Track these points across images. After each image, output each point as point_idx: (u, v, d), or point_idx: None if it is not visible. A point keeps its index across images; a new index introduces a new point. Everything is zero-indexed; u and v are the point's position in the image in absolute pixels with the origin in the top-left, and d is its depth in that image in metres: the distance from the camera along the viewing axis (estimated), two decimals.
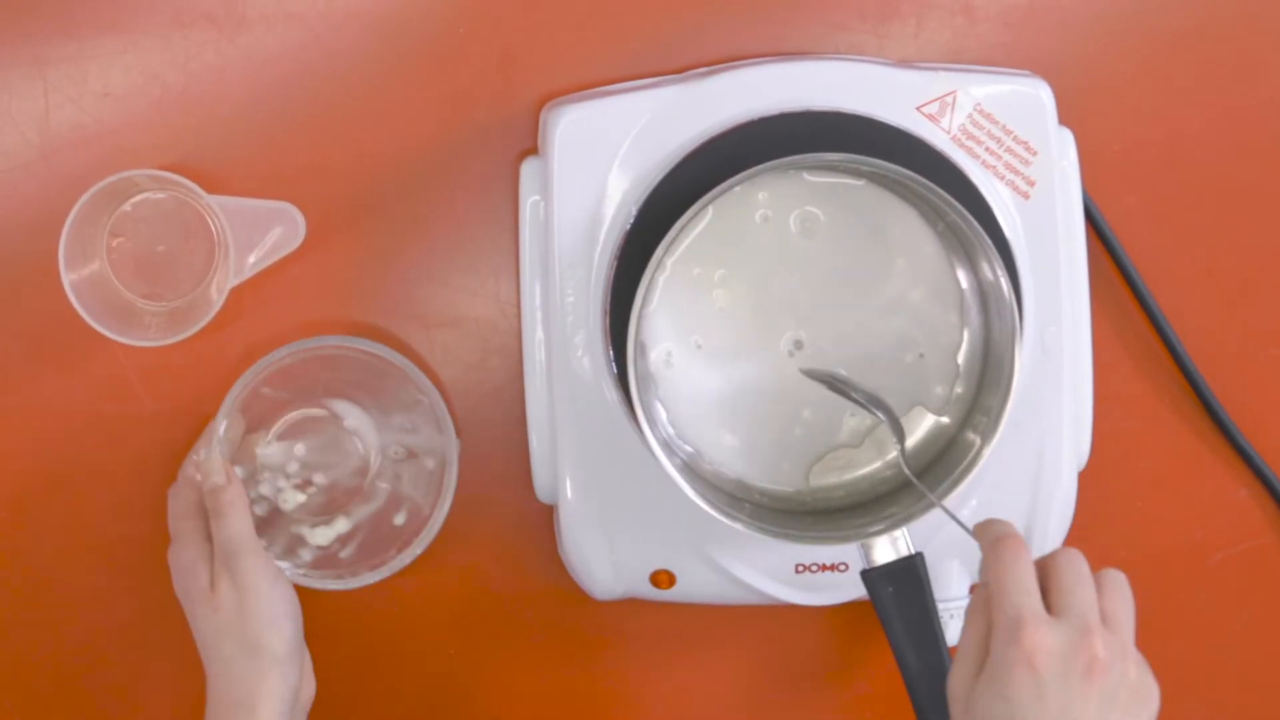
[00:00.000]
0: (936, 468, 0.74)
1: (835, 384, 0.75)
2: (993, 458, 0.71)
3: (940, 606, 0.73)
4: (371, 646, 0.84)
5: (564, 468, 0.77)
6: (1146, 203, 0.83)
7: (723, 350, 0.76)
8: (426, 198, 0.81)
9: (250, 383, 0.76)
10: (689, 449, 0.76)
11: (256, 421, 0.80)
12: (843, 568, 0.78)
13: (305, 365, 0.79)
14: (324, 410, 0.82)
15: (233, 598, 0.73)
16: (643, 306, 0.70)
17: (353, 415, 0.82)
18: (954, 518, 0.68)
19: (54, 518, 0.82)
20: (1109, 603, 0.63)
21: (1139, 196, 0.83)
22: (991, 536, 0.65)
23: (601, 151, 0.74)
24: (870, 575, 0.72)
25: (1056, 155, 0.76)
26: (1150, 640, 0.85)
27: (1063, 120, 0.77)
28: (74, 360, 0.81)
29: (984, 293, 0.74)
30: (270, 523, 0.80)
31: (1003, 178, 0.75)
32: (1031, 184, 0.76)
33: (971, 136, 0.75)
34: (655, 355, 0.76)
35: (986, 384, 0.75)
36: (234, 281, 0.77)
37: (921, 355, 0.76)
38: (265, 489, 0.81)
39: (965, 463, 0.72)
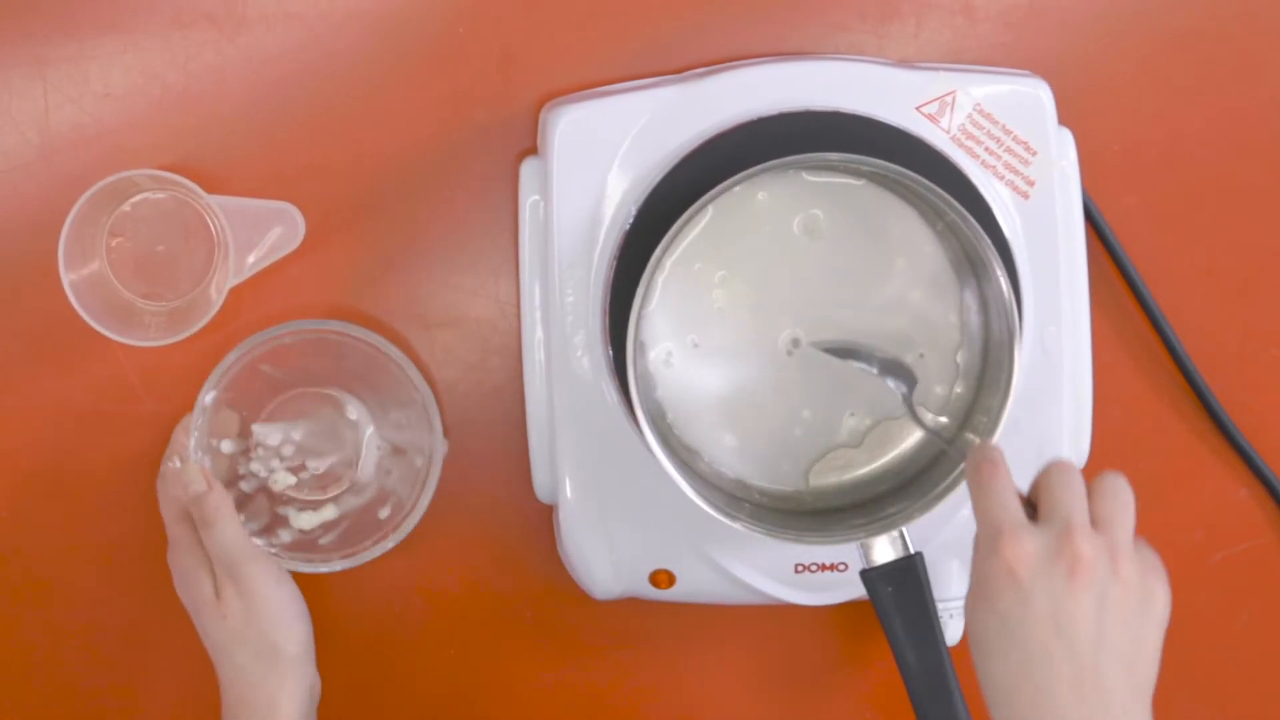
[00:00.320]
0: (936, 467, 0.74)
1: (853, 352, 0.75)
2: None
3: (940, 606, 0.73)
4: (371, 646, 0.84)
5: (563, 467, 0.77)
6: (1146, 203, 0.83)
7: (722, 350, 0.76)
8: (426, 198, 0.81)
9: (244, 357, 0.76)
10: (689, 449, 0.76)
11: (255, 398, 0.81)
12: (842, 567, 0.78)
13: (308, 349, 0.79)
14: (326, 397, 0.82)
15: (240, 605, 0.73)
16: (642, 306, 0.70)
17: (353, 405, 0.82)
18: (943, 440, 0.69)
19: (53, 517, 0.82)
20: (1100, 505, 0.62)
21: (1138, 196, 0.83)
22: (971, 463, 0.64)
23: (601, 151, 0.74)
24: (870, 575, 0.71)
25: (1056, 155, 0.76)
26: None
27: (1062, 120, 0.77)
28: (74, 360, 0.81)
29: (984, 292, 0.74)
30: (255, 500, 0.80)
31: (1002, 178, 0.75)
32: (1031, 184, 0.76)
33: (971, 136, 0.75)
34: (655, 355, 0.76)
35: (986, 384, 0.75)
36: (234, 281, 0.77)
37: (921, 355, 0.76)
38: (257, 466, 0.81)
39: (964, 463, 0.72)
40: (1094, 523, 0.61)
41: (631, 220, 0.74)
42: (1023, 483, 0.64)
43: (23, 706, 0.84)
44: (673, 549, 0.78)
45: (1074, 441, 0.78)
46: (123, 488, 0.82)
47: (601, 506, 0.77)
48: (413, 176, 0.81)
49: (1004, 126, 0.75)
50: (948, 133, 0.75)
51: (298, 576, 0.80)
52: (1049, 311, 0.76)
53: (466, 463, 0.82)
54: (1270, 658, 0.87)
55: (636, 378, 0.70)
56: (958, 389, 0.76)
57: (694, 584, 0.78)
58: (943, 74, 0.76)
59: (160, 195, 0.80)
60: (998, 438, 0.70)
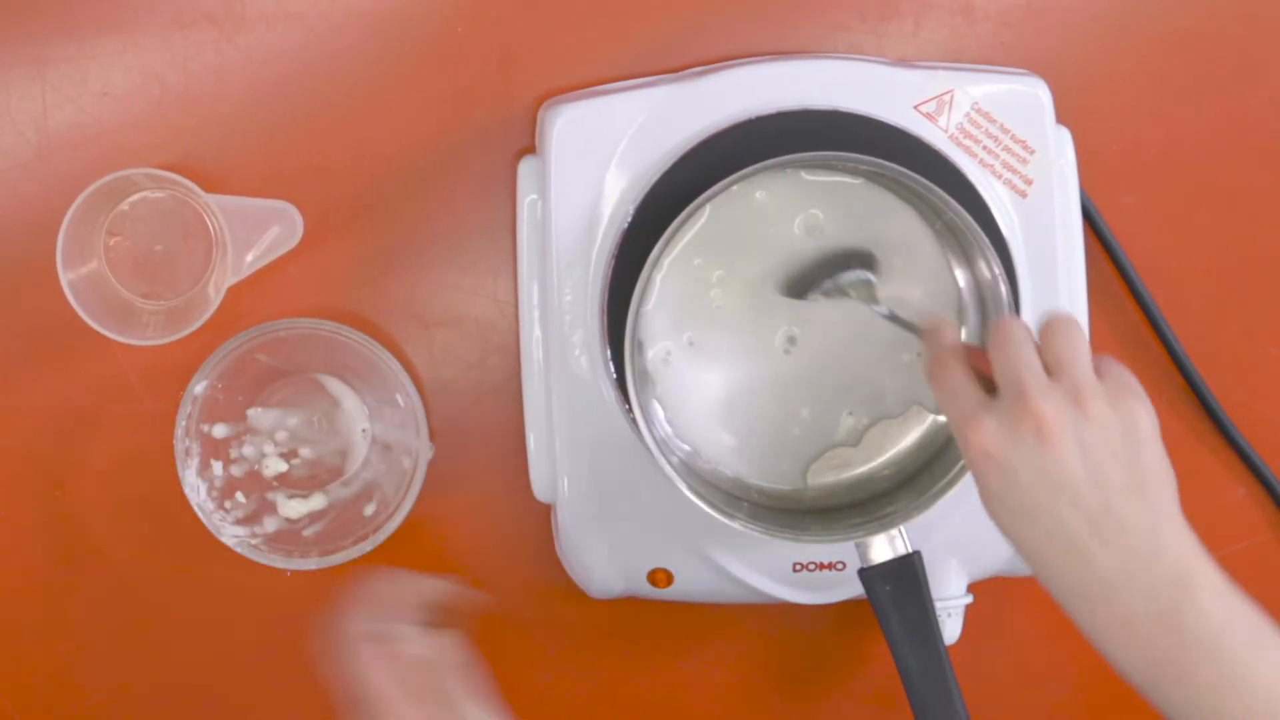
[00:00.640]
0: (934, 466, 0.74)
1: (808, 276, 0.75)
2: None
3: (938, 605, 0.73)
4: None
5: (562, 467, 0.77)
6: (1145, 202, 0.83)
7: (720, 349, 0.76)
8: (425, 197, 0.81)
9: (237, 350, 0.77)
10: (686, 448, 0.76)
11: (250, 383, 0.81)
12: (840, 566, 0.78)
13: (303, 342, 0.79)
14: (321, 387, 0.82)
15: None
16: (640, 305, 0.70)
17: (349, 399, 0.82)
18: (908, 328, 0.70)
19: (52, 516, 0.82)
20: (1049, 352, 0.61)
21: (1137, 196, 0.83)
22: (927, 359, 0.65)
23: (599, 150, 0.74)
24: (868, 574, 0.71)
25: (1054, 154, 0.76)
26: None
27: (1061, 119, 0.77)
28: (72, 359, 0.81)
29: (982, 292, 0.74)
30: (244, 485, 0.80)
31: (1000, 176, 0.75)
32: (1029, 183, 0.76)
33: (969, 135, 0.75)
34: (653, 354, 0.76)
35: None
36: (232, 280, 0.77)
37: (919, 354, 0.76)
38: (248, 450, 0.81)
39: (962, 462, 0.72)
40: (1049, 371, 0.61)
41: (629, 219, 0.74)
42: None
43: (23, 706, 0.84)
44: (671, 548, 0.78)
45: None
46: (122, 487, 0.82)
47: (599, 505, 0.77)
48: (411, 176, 0.81)
49: (1002, 125, 0.75)
50: (946, 132, 0.75)
51: (297, 575, 0.80)
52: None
53: (465, 461, 0.82)
54: None
55: (634, 377, 0.70)
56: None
57: (692, 583, 0.78)
58: (941, 73, 0.76)
59: (159, 194, 0.80)
60: None
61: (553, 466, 0.77)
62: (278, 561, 0.78)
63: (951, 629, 0.78)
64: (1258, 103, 0.84)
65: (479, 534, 0.83)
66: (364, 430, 0.83)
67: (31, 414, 0.81)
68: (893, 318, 0.72)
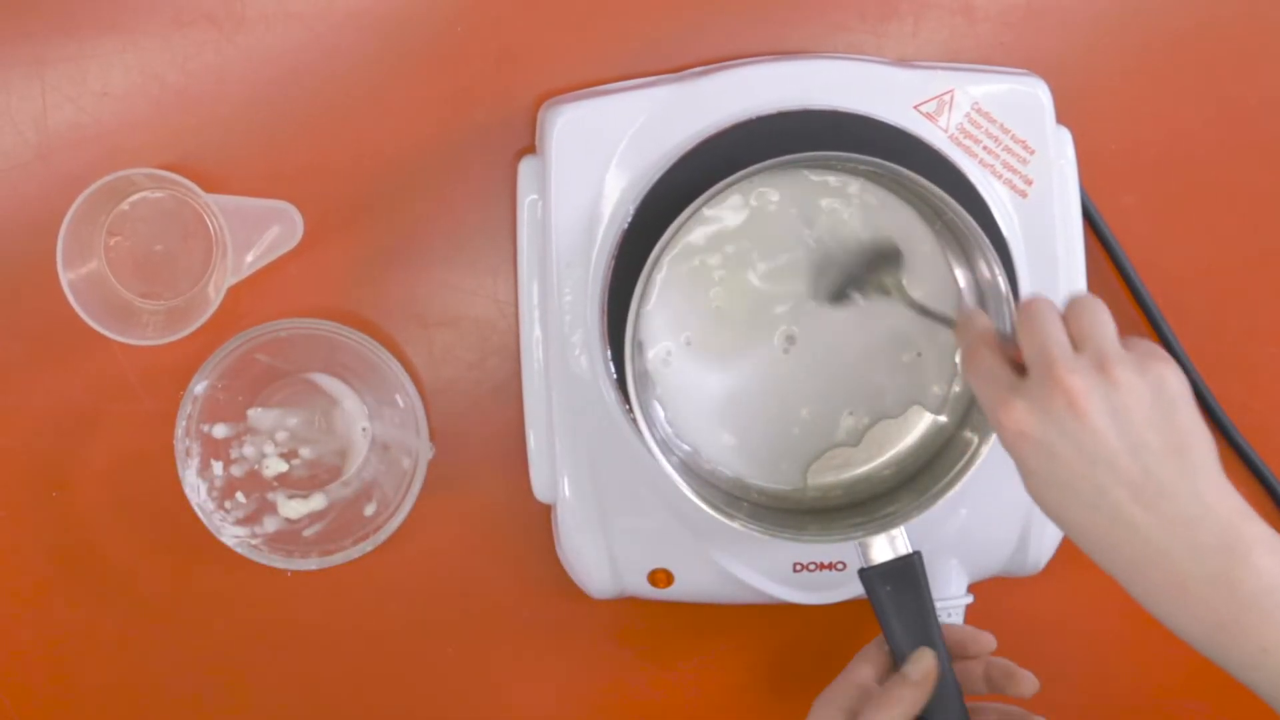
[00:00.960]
0: (934, 466, 0.74)
1: (842, 282, 0.75)
2: (990, 456, 0.71)
3: (938, 605, 0.73)
4: (369, 645, 0.84)
5: (562, 467, 0.77)
6: (1145, 202, 0.83)
7: (720, 349, 0.76)
8: (425, 197, 0.81)
9: (237, 350, 0.77)
10: (687, 448, 0.76)
11: (251, 384, 0.81)
12: (840, 567, 0.78)
13: (303, 342, 0.79)
14: (321, 387, 0.82)
15: None
16: (640, 305, 0.70)
17: (349, 399, 0.82)
18: (942, 320, 0.71)
19: (52, 516, 0.82)
20: (1074, 327, 0.62)
21: (1137, 196, 0.83)
22: (962, 346, 0.65)
23: (599, 150, 0.74)
24: (868, 574, 0.71)
25: (1054, 154, 0.76)
26: (1152, 642, 0.85)
27: (1061, 119, 0.77)
28: (72, 359, 0.81)
29: (982, 292, 0.74)
30: (244, 485, 0.80)
31: (1000, 176, 0.75)
32: (1029, 183, 0.76)
33: (969, 135, 0.75)
34: (653, 354, 0.76)
35: None
36: (232, 280, 0.77)
37: (919, 354, 0.76)
38: (249, 450, 0.81)
39: (963, 461, 0.72)
40: (1075, 346, 0.61)
41: (630, 219, 0.74)
42: (1013, 475, 0.63)
43: (23, 706, 0.84)
44: (671, 548, 0.78)
45: None
46: (122, 487, 0.82)
47: (600, 506, 0.77)
48: (411, 176, 0.81)
49: (1002, 125, 0.75)
50: (946, 132, 0.75)
51: (297, 576, 0.80)
52: None
53: (465, 462, 0.82)
54: None
55: (635, 377, 0.70)
56: (956, 388, 0.76)
57: (692, 583, 0.78)
58: (941, 73, 0.76)
59: (159, 194, 0.80)
60: (995, 436, 0.70)
61: (553, 467, 0.77)
62: (278, 562, 0.78)
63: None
64: (1257, 103, 0.84)
65: (479, 534, 0.83)
66: (364, 430, 0.83)
67: (32, 414, 0.81)
68: (925, 312, 0.73)
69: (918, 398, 0.76)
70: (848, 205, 0.75)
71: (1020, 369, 0.62)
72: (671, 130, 0.74)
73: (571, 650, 0.85)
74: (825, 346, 0.76)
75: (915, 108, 0.75)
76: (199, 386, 0.77)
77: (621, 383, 0.71)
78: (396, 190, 0.81)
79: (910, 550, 0.71)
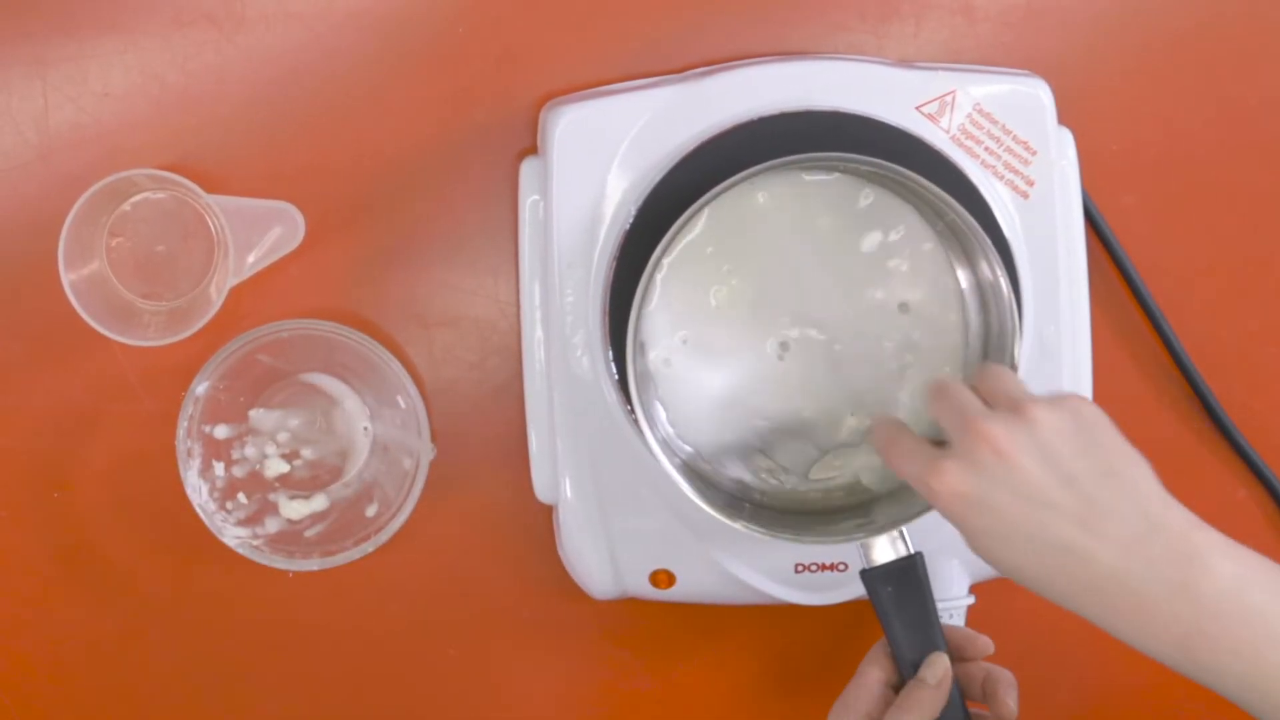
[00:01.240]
0: None
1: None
2: None
3: (940, 606, 0.73)
4: (370, 645, 0.84)
5: (563, 467, 0.77)
6: (1146, 202, 0.83)
7: (722, 349, 0.76)
8: (426, 197, 0.81)
9: (239, 351, 0.77)
10: (688, 448, 0.76)
11: (252, 384, 0.81)
12: (842, 567, 0.78)
13: (305, 343, 0.79)
14: (323, 388, 0.82)
15: None
16: (642, 306, 0.70)
17: (350, 399, 0.82)
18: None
19: (53, 517, 0.82)
20: (985, 388, 0.63)
21: (1138, 196, 0.83)
22: (876, 438, 0.67)
23: (601, 151, 0.74)
24: (869, 575, 0.71)
25: (1056, 155, 0.76)
26: None
27: (1062, 120, 0.77)
28: (73, 360, 0.81)
29: (983, 292, 0.74)
30: (246, 485, 0.80)
31: (1002, 177, 0.75)
32: (1031, 184, 0.76)
33: (971, 136, 0.75)
34: (655, 355, 0.76)
35: None
36: (233, 281, 0.77)
37: (918, 357, 0.76)
38: (251, 451, 0.81)
39: None
40: (988, 404, 0.62)
41: (631, 220, 0.74)
42: None
43: (23, 706, 0.84)
44: (673, 549, 0.78)
45: None
46: (123, 488, 0.82)
47: (601, 506, 0.77)
48: (412, 176, 0.81)
49: (1004, 126, 0.75)
50: (947, 132, 0.75)
51: (299, 577, 0.80)
52: (1048, 311, 0.76)
53: (466, 462, 0.82)
54: None
55: (636, 378, 0.70)
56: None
57: (694, 584, 0.78)
58: (942, 74, 0.76)
59: (160, 195, 0.80)
60: None
61: (554, 467, 0.78)
62: (279, 563, 0.78)
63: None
64: (1257, 103, 0.84)
65: (480, 535, 0.83)
66: (365, 431, 0.83)
67: (32, 414, 0.81)
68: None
69: (919, 398, 0.76)
70: (847, 208, 0.75)
71: (940, 447, 0.63)
72: (673, 131, 0.74)
73: (573, 651, 0.85)
74: (827, 347, 0.76)
75: (917, 108, 0.75)
76: (200, 387, 0.77)
77: (623, 383, 0.71)
78: (398, 191, 0.81)
79: (912, 551, 0.71)
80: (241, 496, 0.80)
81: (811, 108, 0.74)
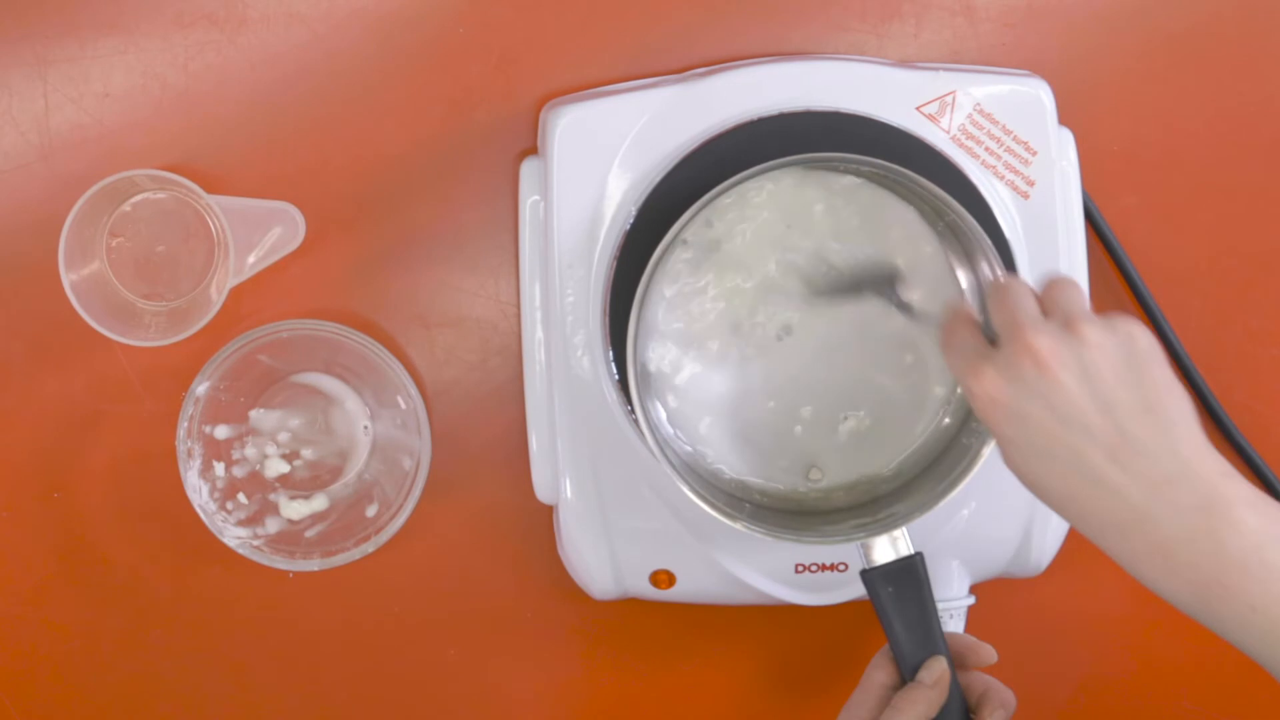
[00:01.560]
0: (936, 467, 0.74)
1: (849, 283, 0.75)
2: (992, 458, 0.71)
3: (940, 606, 0.73)
4: (371, 645, 0.84)
5: (564, 468, 0.77)
6: (1146, 203, 0.83)
7: (722, 350, 0.76)
8: (426, 198, 0.81)
9: (239, 351, 0.77)
10: (688, 449, 0.76)
11: (252, 385, 0.81)
12: (842, 568, 0.78)
13: (305, 343, 0.79)
14: (323, 388, 0.82)
15: None
16: (642, 306, 0.70)
17: (351, 399, 0.82)
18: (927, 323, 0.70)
19: (54, 517, 0.82)
20: (1046, 298, 0.62)
21: (1139, 196, 0.83)
22: (942, 330, 0.65)
23: (601, 151, 0.74)
24: (870, 575, 0.71)
25: (1056, 155, 0.76)
26: (1150, 642, 0.86)
27: (1062, 120, 0.77)
28: (74, 360, 0.81)
29: (984, 293, 0.74)
30: (246, 486, 0.80)
31: (1002, 177, 0.76)
32: (1031, 184, 0.76)
33: (971, 136, 0.75)
34: (654, 354, 0.76)
35: None
36: (234, 281, 0.77)
37: (920, 356, 0.76)
38: (251, 451, 0.81)
39: (965, 462, 0.72)
40: (1045, 314, 0.61)
41: (632, 220, 0.74)
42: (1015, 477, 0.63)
43: (23, 706, 0.84)
44: (673, 549, 0.78)
45: None
46: (124, 488, 0.82)
47: (601, 507, 0.77)
48: (413, 176, 0.81)
49: (1004, 126, 0.75)
50: (948, 133, 0.75)
51: (299, 577, 0.80)
52: None
53: (467, 462, 0.82)
54: None
55: (636, 378, 0.70)
56: (958, 389, 0.76)
57: (694, 584, 0.78)
58: (943, 74, 0.76)
59: (160, 195, 0.80)
60: None
61: (555, 467, 0.78)
62: (280, 563, 0.78)
63: (953, 630, 0.78)
64: (1258, 102, 0.84)
65: (481, 535, 0.83)
66: (365, 430, 0.83)
67: (33, 415, 0.81)
68: (925, 318, 0.73)
69: (920, 400, 0.76)
70: (847, 208, 0.75)
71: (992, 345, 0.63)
72: (673, 131, 0.74)
73: (573, 651, 0.85)
74: (827, 347, 0.76)
75: (917, 109, 0.75)
76: (201, 387, 0.77)
77: (623, 383, 0.71)
78: (398, 191, 0.81)
79: (912, 551, 0.71)
80: (242, 497, 0.80)
81: (811, 108, 0.74)
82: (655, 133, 0.74)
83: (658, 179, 0.73)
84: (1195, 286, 0.84)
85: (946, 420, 0.76)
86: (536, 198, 0.77)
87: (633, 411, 0.71)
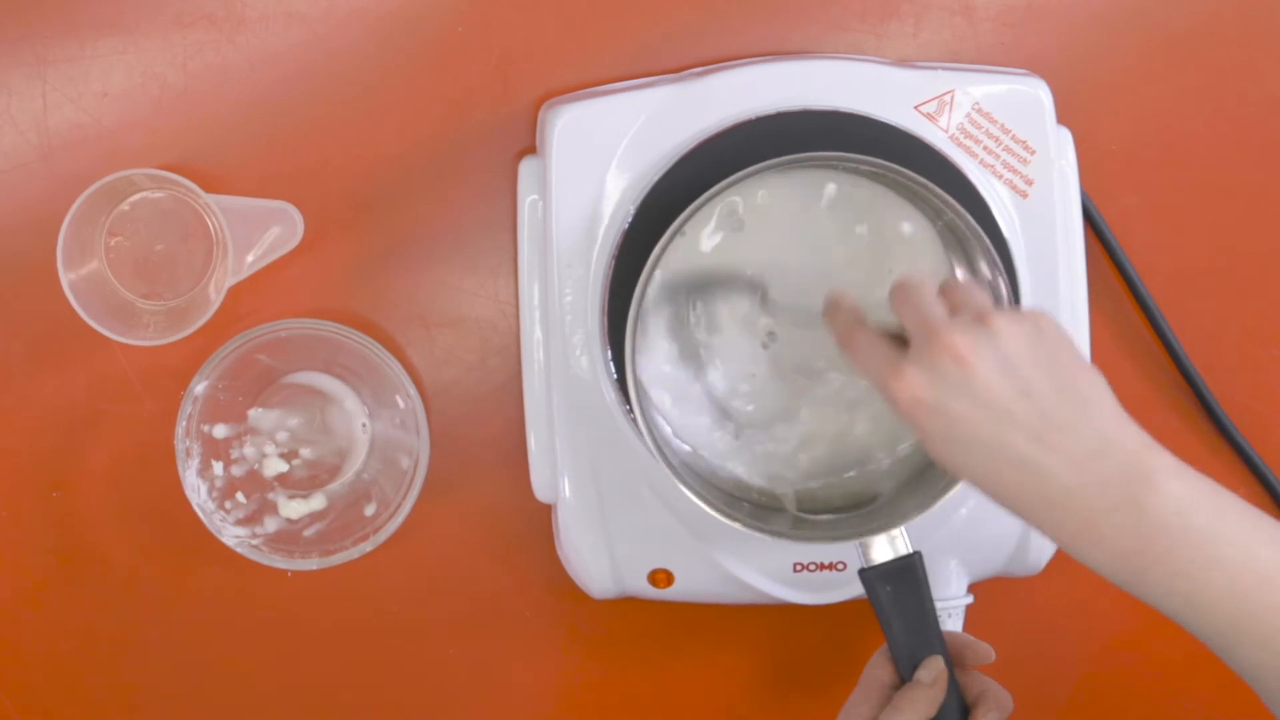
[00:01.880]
0: (934, 467, 0.74)
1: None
2: None
3: (938, 605, 0.73)
4: (370, 644, 0.84)
5: (562, 467, 0.77)
6: (1145, 202, 0.83)
7: (720, 349, 0.76)
8: (425, 197, 0.81)
9: (237, 350, 0.77)
10: (687, 448, 0.76)
11: (251, 384, 0.81)
12: (841, 567, 0.78)
13: (304, 343, 0.79)
14: (322, 387, 0.82)
15: None
16: (641, 306, 0.70)
17: (349, 399, 0.82)
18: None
19: (53, 516, 0.82)
20: (950, 299, 0.63)
21: (1138, 196, 0.83)
22: (840, 338, 0.66)
23: (599, 151, 0.74)
24: (868, 574, 0.71)
25: (1055, 154, 0.76)
26: (1149, 642, 0.85)
27: (1061, 119, 0.77)
28: (73, 360, 0.81)
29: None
30: (245, 485, 0.80)
31: (1001, 177, 0.75)
32: (1030, 183, 0.76)
33: (970, 135, 0.75)
34: (654, 354, 0.76)
35: None
36: (232, 281, 0.77)
37: None
38: (250, 450, 0.81)
39: None
40: (951, 313, 0.62)
41: (630, 219, 0.74)
42: None
43: (23, 706, 0.84)
44: (671, 548, 0.78)
45: None
46: (123, 487, 0.82)
47: (600, 506, 0.77)
48: (412, 176, 0.81)
49: (1003, 126, 0.75)
50: (946, 132, 0.75)
51: (298, 576, 0.80)
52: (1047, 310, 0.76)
53: (465, 462, 0.82)
54: None
55: (635, 377, 0.70)
56: None
57: (693, 583, 0.78)
58: (942, 73, 0.76)
59: (159, 195, 0.80)
60: None
61: (553, 467, 0.78)
62: (278, 562, 0.78)
63: (952, 629, 0.78)
64: (1258, 102, 0.84)
65: (479, 534, 0.83)
66: (364, 429, 0.83)
67: (32, 414, 0.81)
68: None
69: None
70: (846, 207, 0.75)
71: (900, 344, 0.63)
72: (672, 130, 0.74)
73: (572, 650, 0.85)
74: (826, 345, 0.76)
75: (916, 108, 0.75)
76: (199, 387, 0.77)
77: (622, 383, 0.71)
78: (397, 190, 0.81)
79: (910, 550, 0.71)
80: (240, 496, 0.80)
81: (810, 107, 0.74)
82: (654, 132, 0.74)
83: (656, 178, 0.73)
84: (1195, 286, 0.84)
85: None
86: (535, 197, 0.77)
87: (631, 411, 0.71)
